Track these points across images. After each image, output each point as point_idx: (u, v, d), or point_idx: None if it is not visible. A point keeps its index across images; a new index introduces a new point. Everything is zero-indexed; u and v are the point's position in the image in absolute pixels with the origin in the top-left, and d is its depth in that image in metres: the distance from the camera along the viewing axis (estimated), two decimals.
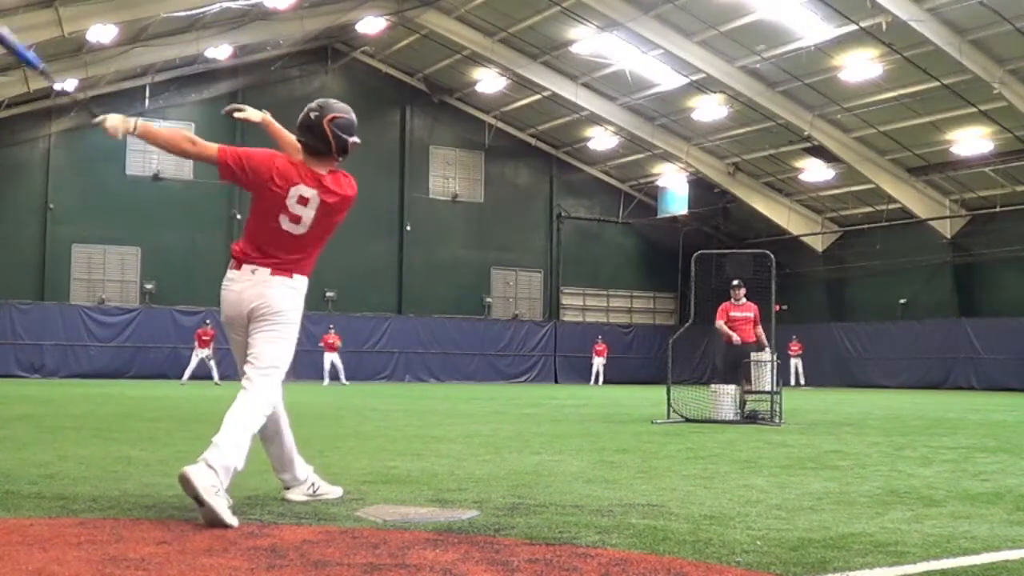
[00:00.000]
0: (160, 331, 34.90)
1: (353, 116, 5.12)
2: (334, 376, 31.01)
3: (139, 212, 35.11)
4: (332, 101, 5.15)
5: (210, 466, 4.48)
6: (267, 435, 5.12)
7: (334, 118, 5.01)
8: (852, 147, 34.54)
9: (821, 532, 4.50)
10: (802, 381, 37.10)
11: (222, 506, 4.40)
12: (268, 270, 4.95)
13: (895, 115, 32.18)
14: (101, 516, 4.69)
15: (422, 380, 38.15)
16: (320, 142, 4.99)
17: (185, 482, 4.42)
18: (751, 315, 14.23)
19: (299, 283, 5.03)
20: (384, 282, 39.07)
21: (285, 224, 4.95)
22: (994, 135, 31.61)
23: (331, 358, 31.17)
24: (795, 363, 37.13)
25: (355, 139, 5.09)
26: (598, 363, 39.23)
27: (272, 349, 4.92)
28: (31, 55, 5.17)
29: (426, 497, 5.48)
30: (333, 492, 5.38)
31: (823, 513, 5.08)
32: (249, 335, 4.98)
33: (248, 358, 4.97)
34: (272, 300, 4.93)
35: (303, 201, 4.94)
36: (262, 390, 4.84)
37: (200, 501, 4.38)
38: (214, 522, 4.36)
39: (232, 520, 4.40)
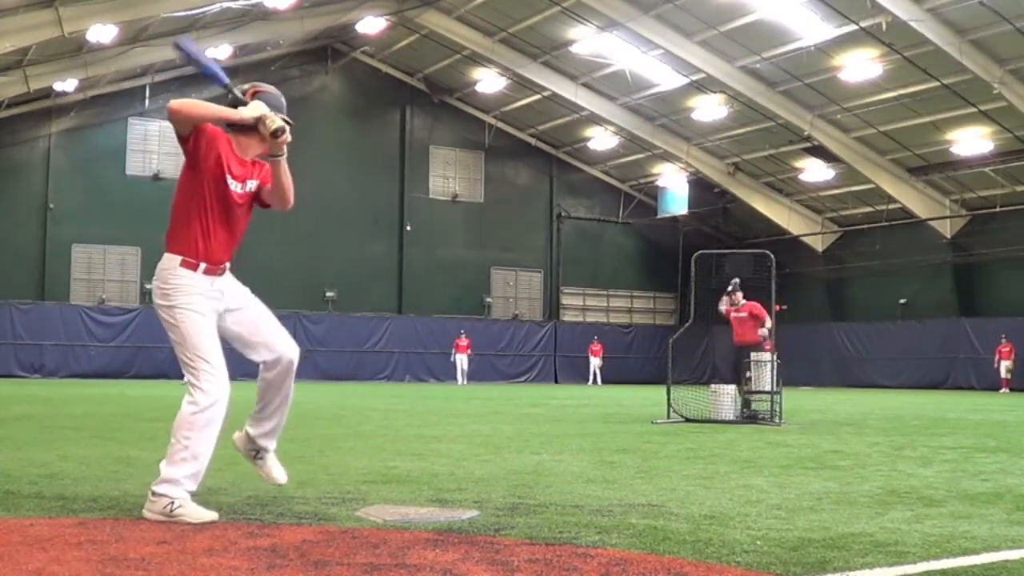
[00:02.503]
0: (160, 331, 34.05)
1: (282, 100, 5.03)
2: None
3: (139, 212, 35.05)
4: (259, 82, 5.14)
5: (156, 493, 4.56)
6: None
7: (258, 90, 5.00)
8: (852, 147, 34.54)
9: (821, 532, 4.50)
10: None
11: (191, 515, 4.50)
12: None
13: (895, 115, 32.18)
14: (101, 516, 4.69)
15: (422, 380, 38.14)
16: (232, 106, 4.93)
17: (140, 520, 4.55)
18: (744, 315, 14.29)
19: (164, 261, 4.78)
20: (384, 282, 39.06)
21: None
22: (994, 135, 31.61)
23: (463, 359, 35.65)
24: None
25: (287, 131, 4.87)
26: (594, 363, 39.27)
27: (178, 347, 4.82)
28: (216, 69, 4.95)
29: (426, 497, 5.48)
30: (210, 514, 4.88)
31: (823, 513, 5.08)
32: None
33: None
34: (154, 296, 4.88)
35: None
36: (193, 389, 4.76)
37: (173, 522, 4.48)
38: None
39: (209, 515, 4.53)
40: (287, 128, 4.82)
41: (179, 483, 4.57)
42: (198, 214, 4.75)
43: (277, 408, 5.08)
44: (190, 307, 4.74)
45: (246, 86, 5.10)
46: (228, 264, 4.91)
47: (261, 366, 4.98)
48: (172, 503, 4.52)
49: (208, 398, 4.71)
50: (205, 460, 4.69)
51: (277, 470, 5.19)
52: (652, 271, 44.18)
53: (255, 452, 5.15)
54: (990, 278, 35.96)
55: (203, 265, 4.75)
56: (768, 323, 14.12)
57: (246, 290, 5.03)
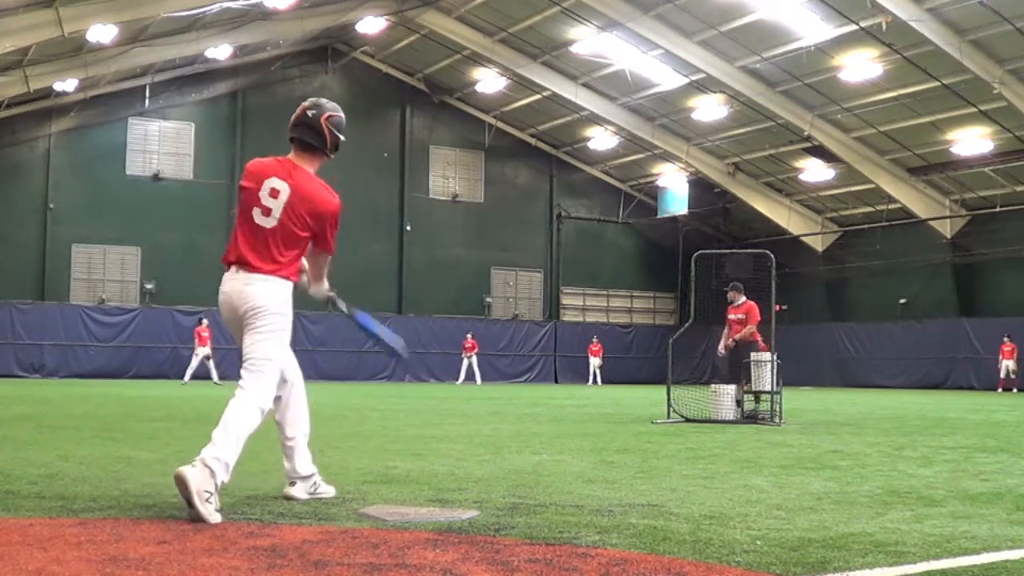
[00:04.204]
0: (160, 331, 34.89)
1: (343, 115, 5.37)
2: (470, 376, 35.62)
3: (139, 212, 35.10)
4: (324, 100, 5.36)
5: (207, 465, 4.60)
6: (279, 419, 5.30)
7: (330, 116, 5.25)
8: (852, 147, 34.53)
9: (821, 532, 4.50)
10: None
11: (209, 512, 4.53)
12: (249, 269, 5.08)
13: (895, 115, 32.17)
14: (101, 516, 4.70)
15: (422, 380, 38.14)
16: (317, 138, 5.21)
17: (181, 483, 4.54)
18: (742, 316, 14.30)
19: (281, 283, 5.10)
20: (384, 282, 39.05)
21: (257, 217, 5.09)
22: (994, 135, 31.60)
23: (469, 360, 35.93)
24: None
25: (343, 137, 5.35)
26: (594, 363, 39.31)
27: (261, 346, 5.02)
28: (391, 339, 5.25)
29: (426, 497, 5.49)
30: (328, 491, 5.42)
31: (823, 513, 5.08)
32: (243, 335, 5.12)
33: (243, 358, 5.09)
34: (255, 297, 5.03)
35: (274, 193, 5.10)
36: (254, 389, 4.94)
37: (190, 503, 4.51)
38: (198, 520, 4.52)
39: (217, 518, 4.55)
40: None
41: (226, 468, 4.67)
42: (304, 255, 5.35)
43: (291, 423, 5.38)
44: (290, 326, 5.23)
45: (317, 109, 5.27)
46: None
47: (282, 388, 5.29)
48: (212, 494, 4.56)
49: (261, 405, 4.97)
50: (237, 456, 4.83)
51: (325, 486, 5.43)
52: (652, 271, 44.17)
53: (313, 484, 5.38)
54: (990, 278, 35.95)
55: None
56: (751, 326, 14.15)
57: None
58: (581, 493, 5.71)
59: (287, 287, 5.14)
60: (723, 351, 14.36)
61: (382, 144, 39.33)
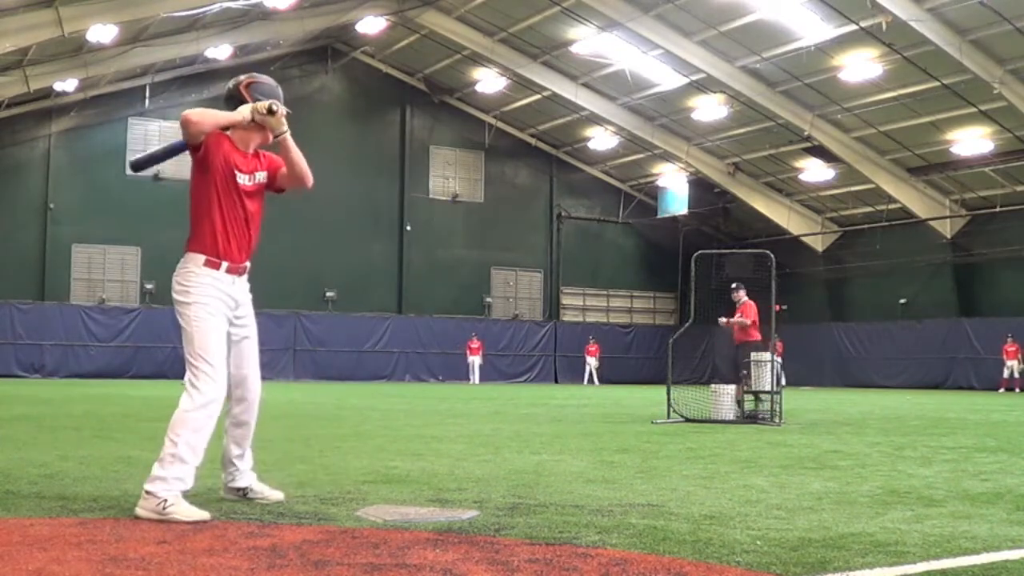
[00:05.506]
0: (160, 331, 34.82)
1: (278, 90, 5.16)
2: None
3: (139, 212, 35.07)
4: (255, 73, 5.26)
5: (149, 492, 4.59)
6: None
7: (251, 83, 5.11)
8: (852, 147, 34.52)
9: (821, 532, 4.50)
10: (783, 382, 37.11)
11: (183, 513, 4.54)
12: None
13: (895, 115, 32.17)
14: (101, 516, 4.70)
15: (422, 380, 38.14)
16: (240, 105, 5.01)
17: (140, 520, 4.58)
18: (739, 315, 14.41)
19: (186, 260, 4.92)
20: (384, 282, 39.05)
21: None
22: (994, 135, 31.60)
23: (475, 360, 37.27)
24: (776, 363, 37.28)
25: (278, 104, 5.01)
26: (591, 363, 39.34)
27: (185, 344, 4.89)
28: (172, 146, 5.00)
29: (426, 497, 5.49)
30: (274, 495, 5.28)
31: (823, 513, 5.08)
32: None
33: None
34: (172, 291, 4.93)
35: None
36: (190, 387, 4.82)
37: (161, 521, 4.52)
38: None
39: (201, 514, 4.57)
40: (278, 104, 4.94)
41: (168, 482, 4.62)
42: (214, 212, 4.88)
43: (247, 438, 5.20)
44: (205, 306, 4.83)
45: (243, 77, 5.19)
46: (247, 265, 5.01)
47: (231, 401, 5.09)
48: (164, 502, 4.57)
49: (203, 398, 4.79)
50: (195, 460, 4.74)
51: (271, 490, 5.28)
52: (652, 271, 44.16)
53: (245, 490, 5.23)
54: (990, 278, 35.95)
55: (225, 264, 4.89)
56: (747, 321, 14.24)
57: (253, 318, 5.14)
58: (581, 493, 5.71)
59: (196, 263, 4.89)
60: (724, 321, 14.50)
61: (382, 144, 39.34)
